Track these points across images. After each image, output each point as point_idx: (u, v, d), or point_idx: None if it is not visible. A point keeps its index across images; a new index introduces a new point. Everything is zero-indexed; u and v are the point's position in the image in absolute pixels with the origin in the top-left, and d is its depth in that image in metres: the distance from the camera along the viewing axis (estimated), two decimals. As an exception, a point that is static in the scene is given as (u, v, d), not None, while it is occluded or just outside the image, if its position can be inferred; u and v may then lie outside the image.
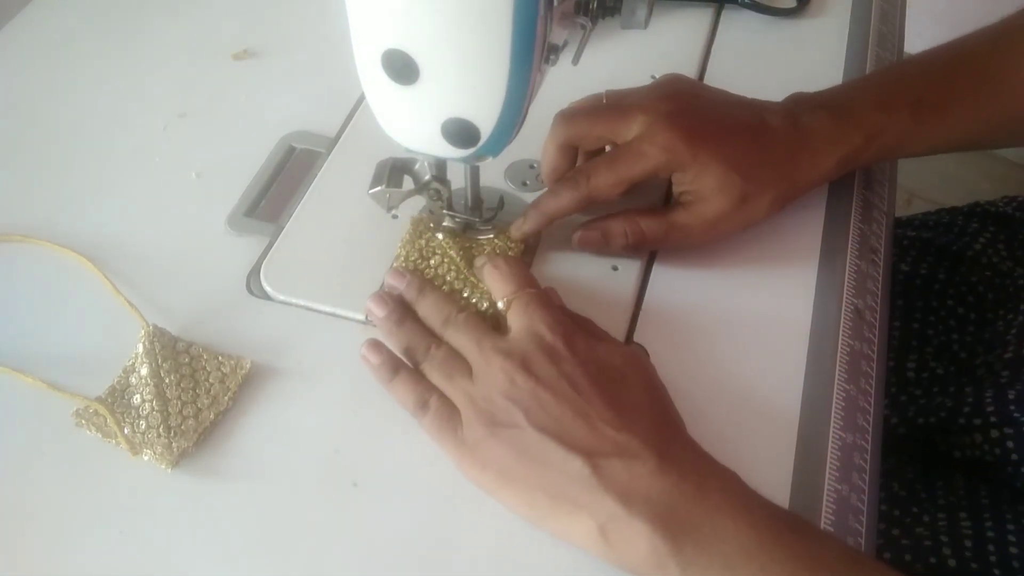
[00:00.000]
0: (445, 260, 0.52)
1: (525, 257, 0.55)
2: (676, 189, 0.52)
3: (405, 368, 0.48)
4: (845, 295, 0.53)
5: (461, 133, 0.45)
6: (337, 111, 0.64)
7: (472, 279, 0.51)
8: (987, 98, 0.56)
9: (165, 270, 0.55)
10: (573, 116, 0.53)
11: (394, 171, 0.51)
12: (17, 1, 0.74)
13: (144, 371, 0.48)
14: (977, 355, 0.66)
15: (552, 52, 0.44)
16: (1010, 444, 0.57)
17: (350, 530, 0.44)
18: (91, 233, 0.57)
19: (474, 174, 0.53)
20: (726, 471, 0.42)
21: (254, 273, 0.55)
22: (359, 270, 0.53)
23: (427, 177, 0.52)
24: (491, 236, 0.54)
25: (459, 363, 0.47)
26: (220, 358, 0.50)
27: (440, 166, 0.52)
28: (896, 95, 0.55)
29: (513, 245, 0.54)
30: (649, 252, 0.55)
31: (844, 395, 0.49)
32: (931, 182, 1.49)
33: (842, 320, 0.52)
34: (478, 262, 0.51)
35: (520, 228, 0.53)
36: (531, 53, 0.42)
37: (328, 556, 0.43)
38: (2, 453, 0.47)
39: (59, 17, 0.73)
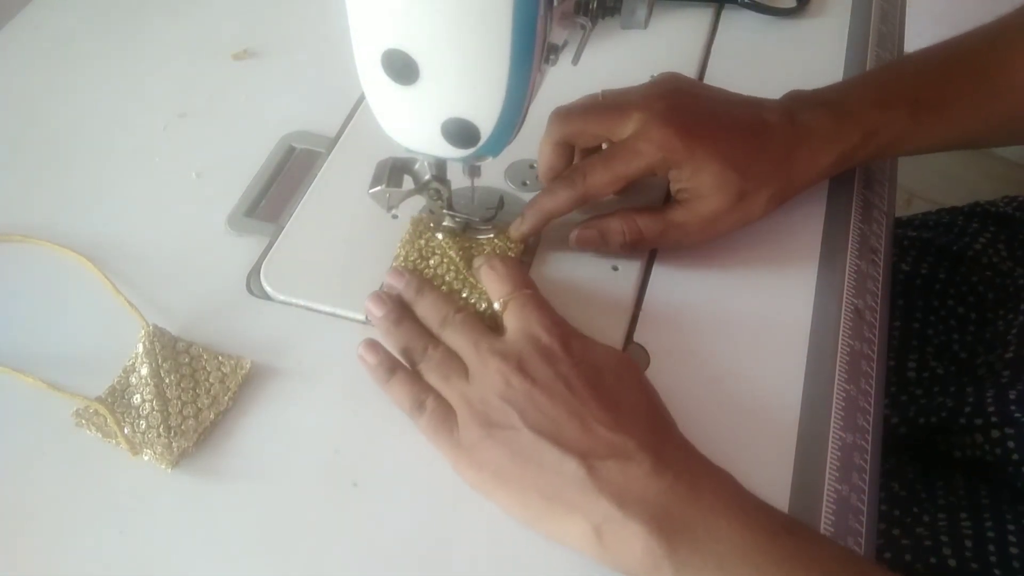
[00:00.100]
0: (444, 260, 0.52)
1: (525, 257, 0.55)
2: (673, 187, 0.52)
3: (402, 368, 0.48)
4: (845, 295, 0.53)
5: (461, 133, 0.45)
6: (337, 111, 0.64)
7: (471, 279, 0.51)
8: (985, 96, 0.56)
9: (165, 270, 0.55)
10: (569, 114, 0.53)
11: (394, 171, 0.51)
12: (17, 1, 0.74)
13: (144, 371, 0.48)
14: (978, 355, 0.66)
15: (552, 52, 0.44)
16: (1011, 444, 0.57)
17: (350, 530, 0.44)
18: (91, 233, 0.57)
19: (474, 174, 0.53)
20: (720, 471, 0.42)
21: (254, 273, 0.55)
22: (359, 270, 0.53)
23: (427, 177, 0.52)
24: (491, 236, 0.54)
25: (456, 364, 0.47)
26: (220, 358, 0.50)
27: (440, 166, 0.52)
28: (894, 93, 0.55)
29: (512, 245, 0.54)
30: (648, 251, 0.55)
31: (844, 395, 0.49)
32: (931, 182, 1.49)
33: (842, 320, 0.52)
34: (476, 263, 0.52)
35: (518, 228, 0.53)
36: (531, 53, 0.42)
37: (328, 556, 0.43)
38: (2, 453, 0.47)
39: (59, 17, 0.73)
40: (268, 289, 0.54)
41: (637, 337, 0.51)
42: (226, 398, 0.48)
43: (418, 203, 0.55)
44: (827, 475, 0.45)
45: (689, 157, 0.50)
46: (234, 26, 0.71)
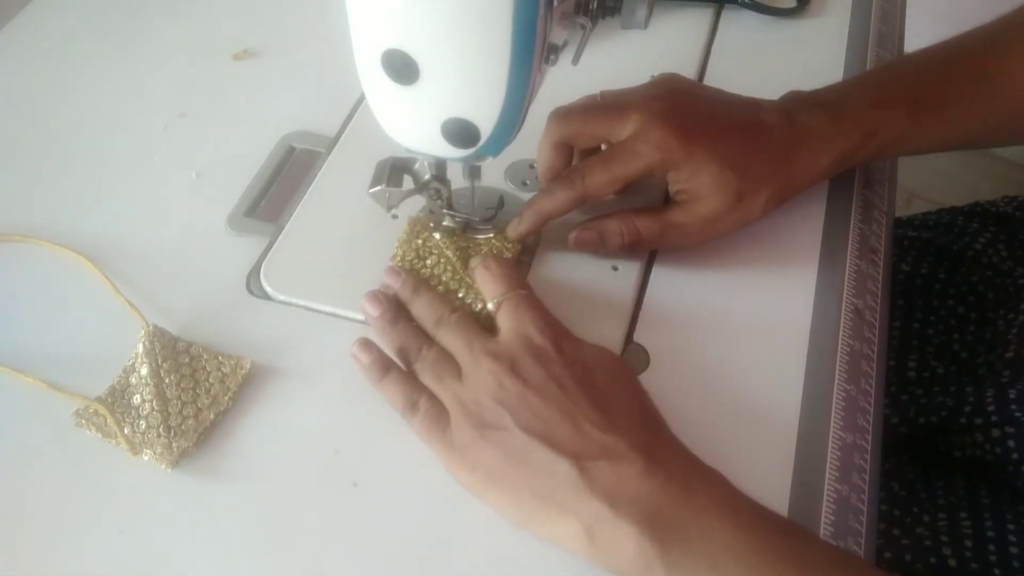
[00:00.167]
0: (441, 260, 0.52)
1: (524, 257, 0.55)
2: (672, 188, 0.52)
3: (395, 368, 0.48)
4: (845, 295, 0.53)
5: (461, 133, 0.45)
6: (337, 111, 0.64)
7: (467, 280, 0.51)
8: (984, 97, 0.56)
9: (165, 270, 0.55)
10: (567, 115, 0.53)
11: (394, 171, 0.51)
12: (17, 1, 0.74)
13: (144, 371, 0.48)
14: (978, 354, 0.66)
15: (552, 52, 0.44)
16: (1011, 443, 0.57)
17: (350, 530, 0.44)
18: (91, 233, 0.57)
19: (474, 174, 0.53)
20: (712, 472, 0.42)
21: (254, 273, 0.55)
22: (359, 270, 0.53)
23: (427, 177, 0.52)
24: (490, 236, 0.54)
25: (449, 364, 0.47)
26: (220, 358, 0.50)
27: (440, 166, 0.52)
28: (893, 93, 0.55)
29: (510, 246, 0.54)
30: (647, 252, 0.55)
31: (844, 395, 0.49)
32: (931, 182, 1.49)
33: (842, 320, 0.52)
34: (472, 263, 0.52)
35: (516, 228, 0.53)
36: (531, 53, 0.42)
37: (328, 556, 0.43)
38: (2, 453, 0.47)
39: (59, 17, 0.73)
40: (268, 289, 0.54)
41: (637, 337, 0.51)
42: (226, 398, 0.48)
43: (418, 203, 0.55)
44: (827, 475, 0.45)
45: (687, 158, 0.50)
46: (234, 26, 0.71)
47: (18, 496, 0.46)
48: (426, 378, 0.47)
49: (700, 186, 0.50)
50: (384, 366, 0.48)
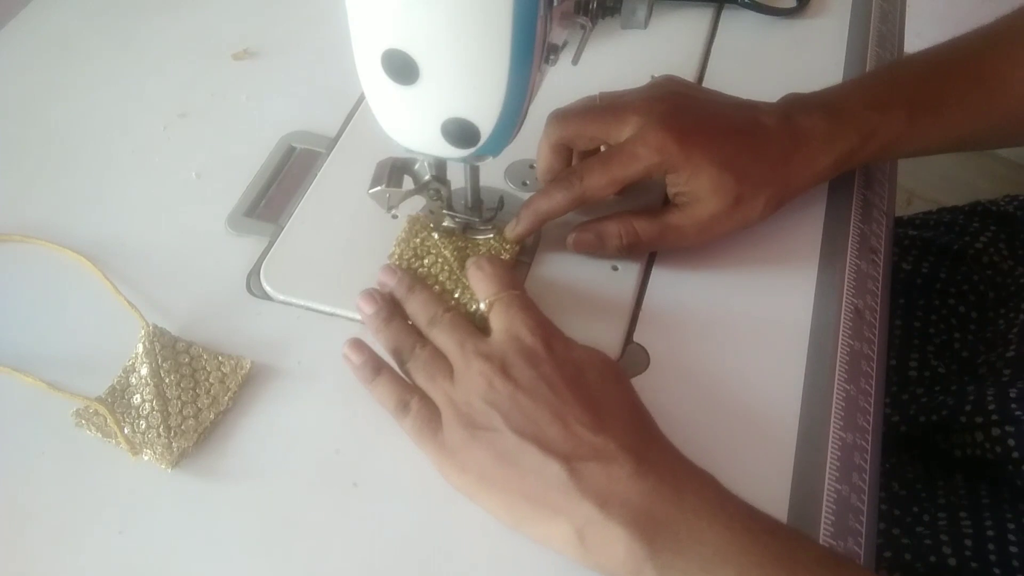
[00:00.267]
0: (439, 260, 0.52)
1: (524, 258, 0.55)
2: (670, 190, 0.52)
3: (387, 369, 0.48)
4: (845, 295, 0.53)
5: (461, 133, 0.45)
6: (337, 111, 0.64)
7: (464, 280, 0.51)
8: (982, 98, 0.56)
9: (165, 270, 0.55)
10: (566, 116, 0.53)
11: (394, 171, 0.51)
12: (17, 1, 0.74)
13: (144, 371, 0.48)
14: (979, 354, 0.66)
15: (552, 52, 0.44)
16: (1011, 442, 0.57)
17: (350, 530, 0.44)
18: (91, 233, 0.57)
19: (474, 174, 0.53)
20: (703, 473, 0.42)
21: (254, 273, 0.55)
22: (359, 270, 0.53)
23: (427, 177, 0.52)
24: (489, 236, 0.54)
25: (442, 364, 0.47)
26: (220, 358, 0.50)
27: (440, 166, 0.52)
28: (892, 95, 0.55)
29: (508, 246, 0.54)
30: (646, 253, 0.55)
31: (844, 395, 0.49)
32: (931, 182, 1.49)
33: (842, 320, 0.52)
34: (468, 263, 0.51)
35: (514, 229, 0.53)
36: (531, 53, 0.42)
37: (328, 556, 0.43)
38: (2, 453, 0.47)
39: (59, 17, 0.73)
40: (268, 289, 0.54)
41: (637, 338, 0.51)
42: (226, 398, 0.48)
43: (418, 203, 0.55)
44: (827, 475, 0.45)
45: (686, 161, 0.50)
46: (234, 26, 0.71)
47: (18, 496, 0.46)
48: (418, 377, 0.47)
49: (699, 188, 0.50)
50: (375, 366, 0.48)
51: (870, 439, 0.48)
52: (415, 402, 0.46)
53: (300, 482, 0.46)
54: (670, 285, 0.54)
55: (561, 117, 0.53)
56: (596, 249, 0.53)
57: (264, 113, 0.65)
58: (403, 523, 0.44)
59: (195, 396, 0.48)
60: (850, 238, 0.56)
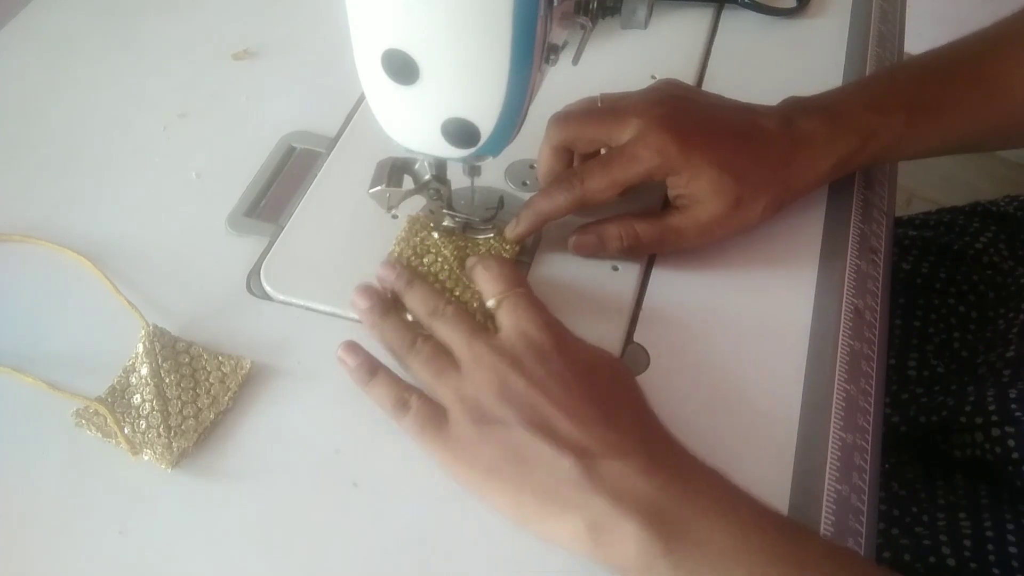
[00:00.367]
0: (439, 259, 0.52)
1: (524, 258, 0.55)
2: (671, 193, 0.52)
3: (383, 369, 0.48)
4: (845, 295, 0.53)
5: (461, 133, 0.45)
6: (337, 111, 0.64)
7: (464, 279, 0.51)
8: (982, 101, 0.56)
9: (165, 270, 0.55)
10: (567, 118, 0.53)
11: (394, 171, 0.51)
12: (17, 1, 0.74)
13: (144, 371, 0.48)
14: (978, 354, 0.66)
15: (552, 52, 0.44)
16: (1011, 443, 0.57)
17: (350, 530, 0.44)
18: (91, 233, 0.57)
19: (474, 174, 0.53)
20: (713, 471, 0.42)
21: (254, 273, 0.55)
22: (359, 270, 0.53)
23: (427, 177, 0.52)
24: (489, 236, 0.54)
25: (447, 359, 0.46)
26: (220, 358, 0.50)
27: (440, 166, 0.52)
28: (891, 98, 0.55)
29: (508, 246, 0.54)
30: (647, 255, 0.55)
31: (844, 395, 0.49)
32: (931, 182, 1.49)
33: (842, 320, 0.52)
34: (469, 262, 0.51)
35: (514, 230, 0.53)
36: (531, 53, 0.42)
37: (328, 556, 0.43)
38: (2, 453, 0.47)
39: (59, 17, 0.73)
40: (268, 289, 0.54)
41: (637, 338, 0.51)
42: (226, 398, 0.48)
43: (418, 203, 0.55)
44: (827, 475, 0.45)
45: (686, 163, 0.50)
46: (234, 26, 0.71)
47: (18, 496, 0.46)
48: (423, 373, 0.47)
49: (699, 191, 0.51)
50: (371, 368, 0.48)
51: (870, 439, 0.48)
52: (415, 400, 0.46)
53: (300, 482, 0.46)
54: (670, 285, 0.54)
55: (562, 119, 0.53)
56: (597, 251, 0.53)
57: (264, 113, 0.65)
58: (403, 523, 0.44)
59: (195, 396, 0.48)
60: (850, 238, 0.56)
